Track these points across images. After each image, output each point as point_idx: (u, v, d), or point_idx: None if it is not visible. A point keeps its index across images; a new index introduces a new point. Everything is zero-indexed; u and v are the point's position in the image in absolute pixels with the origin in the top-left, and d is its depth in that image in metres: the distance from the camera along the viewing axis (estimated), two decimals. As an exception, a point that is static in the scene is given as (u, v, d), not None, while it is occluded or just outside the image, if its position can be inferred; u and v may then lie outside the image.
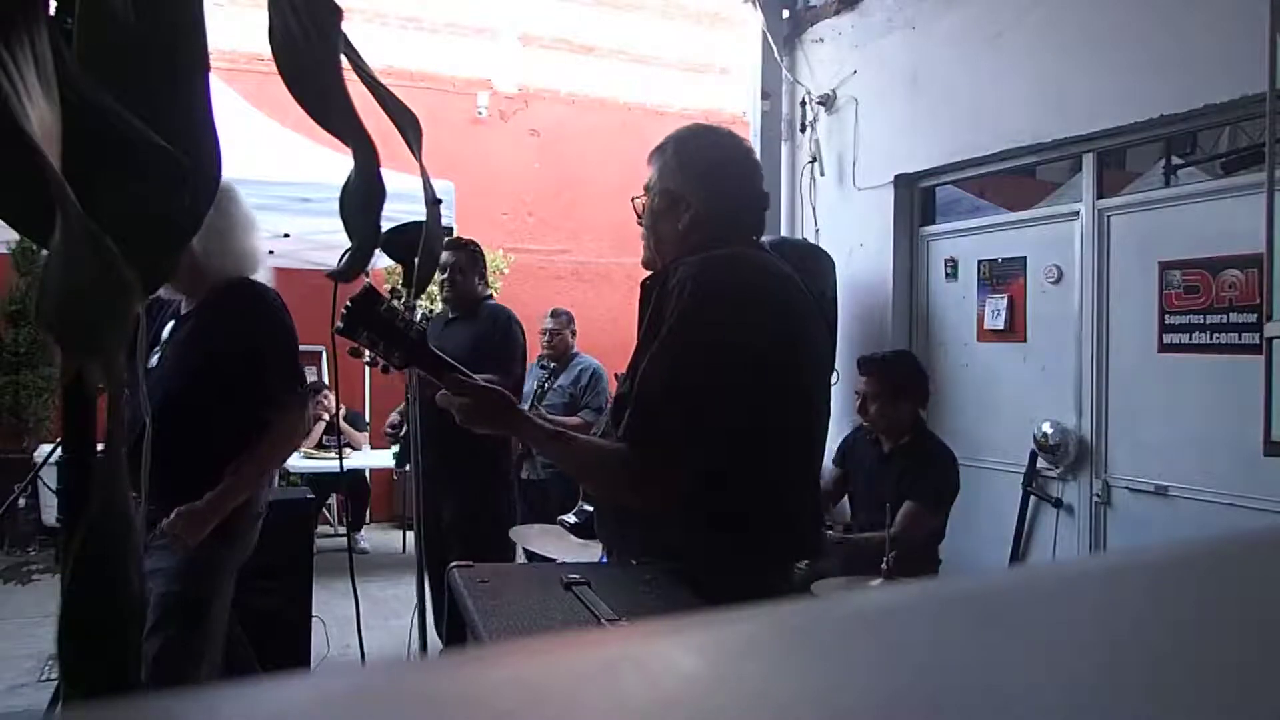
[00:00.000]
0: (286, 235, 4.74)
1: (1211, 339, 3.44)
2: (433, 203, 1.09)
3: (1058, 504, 4.04)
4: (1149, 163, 4.00)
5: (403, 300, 1.80)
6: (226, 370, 2.26)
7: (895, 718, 0.26)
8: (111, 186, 0.73)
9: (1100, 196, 3.92)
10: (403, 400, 3.43)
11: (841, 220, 5.04)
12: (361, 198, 0.94)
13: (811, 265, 4.30)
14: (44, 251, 0.67)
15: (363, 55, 0.94)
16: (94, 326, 0.64)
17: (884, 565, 2.44)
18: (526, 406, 4.24)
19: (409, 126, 1.00)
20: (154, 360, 2.32)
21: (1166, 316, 3.59)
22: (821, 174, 5.16)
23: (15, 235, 4.05)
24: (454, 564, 1.53)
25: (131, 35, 0.76)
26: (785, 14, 5.46)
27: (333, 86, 0.86)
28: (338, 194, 0.95)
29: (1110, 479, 3.84)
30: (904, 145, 4.69)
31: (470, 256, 3.62)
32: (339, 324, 1.64)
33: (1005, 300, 4.29)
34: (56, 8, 0.77)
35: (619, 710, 0.26)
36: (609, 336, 5.93)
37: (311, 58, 0.86)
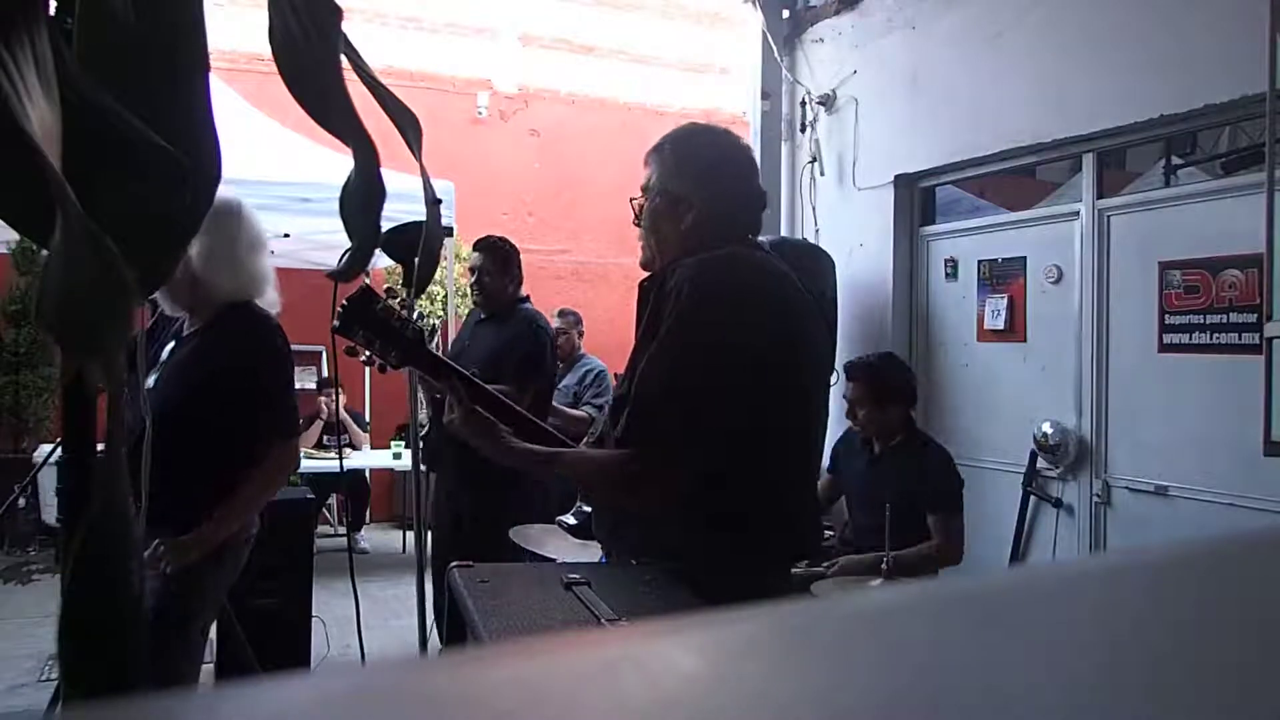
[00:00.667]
0: (286, 235, 4.74)
1: (1211, 339, 3.44)
2: (433, 203, 1.09)
3: (1058, 504, 4.03)
4: (1149, 163, 3.99)
5: (400, 300, 1.80)
6: (221, 392, 2.23)
7: (895, 718, 0.26)
8: (111, 186, 0.73)
9: (1100, 196, 3.92)
10: (424, 403, 3.41)
11: (841, 220, 5.03)
12: (361, 198, 0.94)
13: (811, 265, 4.29)
14: (44, 251, 0.67)
15: (363, 55, 0.94)
16: (94, 326, 0.64)
17: (883, 566, 2.44)
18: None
19: (409, 126, 1.00)
20: (151, 381, 2.28)
21: (1166, 316, 3.59)
22: (821, 174, 5.16)
23: (15, 235, 4.04)
24: (454, 564, 1.53)
25: (131, 35, 0.76)
26: (785, 14, 5.46)
27: (333, 86, 0.86)
28: (338, 194, 0.95)
29: (1110, 479, 3.84)
30: (904, 145, 4.69)
31: (500, 258, 3.51)
32: (335, 323, 1.64)
33: (1005, 300, 4.29)
34: (56, 8, 0.77)
35: (619, 710, 0.26)
36: (609, 336, 5.93)
37: (311, 58, 0.86)
